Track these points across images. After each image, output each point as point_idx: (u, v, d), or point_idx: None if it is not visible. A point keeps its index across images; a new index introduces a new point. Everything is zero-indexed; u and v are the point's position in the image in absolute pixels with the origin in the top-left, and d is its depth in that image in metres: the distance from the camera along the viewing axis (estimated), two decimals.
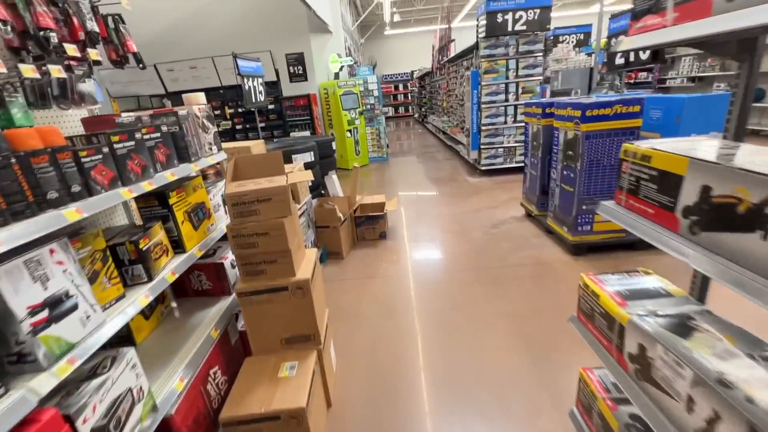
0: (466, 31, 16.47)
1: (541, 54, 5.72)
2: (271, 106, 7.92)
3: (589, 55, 8.32)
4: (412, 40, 21.34)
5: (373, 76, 8.42)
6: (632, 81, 10.68)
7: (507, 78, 5.81)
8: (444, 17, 11.94)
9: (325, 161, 4.93)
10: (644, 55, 3.12)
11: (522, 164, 6.25)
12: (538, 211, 3.93)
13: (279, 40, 7.64)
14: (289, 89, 7.97)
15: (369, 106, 8.57)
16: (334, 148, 4.58)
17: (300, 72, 7.88)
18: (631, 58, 3.29)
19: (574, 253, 3.25)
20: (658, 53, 2.95)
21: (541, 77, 5.83)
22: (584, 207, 3.11)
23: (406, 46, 21.60)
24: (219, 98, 8.26)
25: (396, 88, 21.75)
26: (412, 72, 21.07)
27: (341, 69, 7.91)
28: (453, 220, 4.47)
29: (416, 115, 19.13)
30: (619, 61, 3.45)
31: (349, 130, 7.95)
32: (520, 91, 5.86)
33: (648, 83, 10.27)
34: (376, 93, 8.50)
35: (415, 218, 4.68)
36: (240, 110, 8.05)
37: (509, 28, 5.51)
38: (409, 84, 21.62)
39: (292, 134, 7.81)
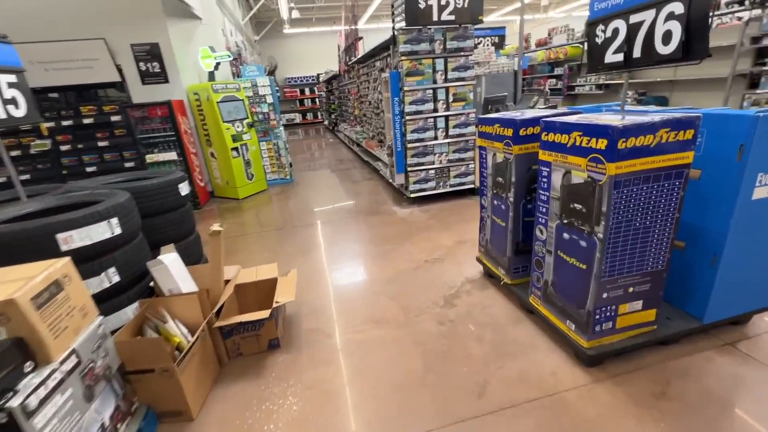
0: (372, 34, 15.34)
1: (472, 53, 4.59)
2: (116, 117, 5.58)
3: (510, 57, 7.69)
4: (317, 40, 19.65)
5: (265, 78, 6.59)
6: (542, 88, 10.56)
7: (435, 82, 4.57)
8: (348, 17, 10.66)
9: (161, 223, 2.67)
10: (667, 47, 2.03)
11: (458, 188, 5.15)
12: (511, 279, 2.66)
13: (118, 25, 5.37)
14: (142, 94, 5.71)
15: (262, 116, 6.70)
16: (184, 191, 2.75)
17: (156, 70, 5.69)
18: (636, 52, 2.20)
19: (589, 363, 2.00)
20: (691, 42, 1.83)
21: (473, 81, 4.71)
22: (606, 295, 1.88)
23: (311, 46, 19.82)
24: None
25: (302, 92, 19.83)
26: (318, 75, 19.39)
27: (217, 67, 5.92)
28: (387, 292, 2.99)
29: (326, 122, 17.49)
30: (613, 58, 2.34)
31: (236, 148, 6.00)
32: (450, 98, 4.66)
33: (558, 90, 10.20)
34: (270, 99, 6.67)
35: (329, 291, 3.09)
36: (69, 122, 5.53)
37: (434, 17, 4.26)
38: (316, 88, 19.88)
39: (98, 179, 5.57)
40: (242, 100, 6.13)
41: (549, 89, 10.05)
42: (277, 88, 19.18)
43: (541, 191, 2.12)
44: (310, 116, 20.34)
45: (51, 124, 5.53)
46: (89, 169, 5.77)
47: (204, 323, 2.10)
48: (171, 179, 2.62)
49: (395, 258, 3.55)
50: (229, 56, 5.81)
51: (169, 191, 2.59)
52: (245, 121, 6.16)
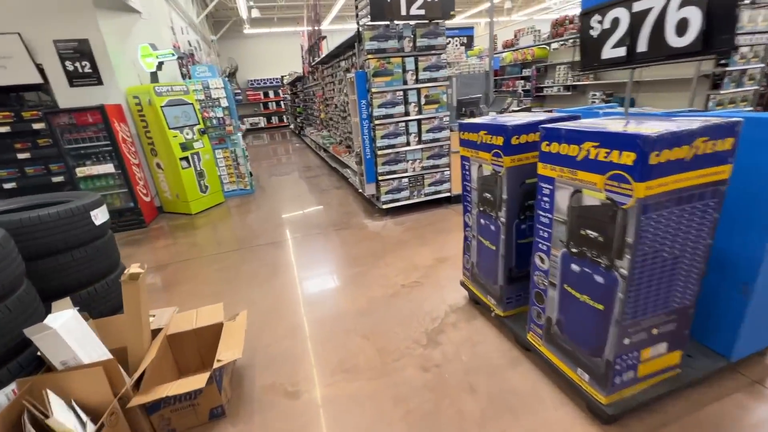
0: (336, 35, 14.80)
1: (444, 51, 4.24)
2: (41, 125, 4.79)
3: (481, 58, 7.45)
4: (280, 40, 18.88)
5: (218, 79, 5.96)
6: (515, 89, 10.49)
7: (405, 83, 4.17)
8: (310, 17, 10.14)
9: (65, 264, 2.02)
10: (682, 39, 1.72)
11: (434, 197, 4.78)
12: (504, 311, 2.28)
13: (38, 18, 4.60)
14: (72, 98, 4.94)
15: (216, 122, 6.06)
16: (99, 219, 2.15)
17: (87, 70, 4.94)
18: (642, 46, 1.89)
19: (609, 421, 1.65)
20: (714, 32, 1.53)
21: (447, 82, 4.36)
22: (628, 341, 1.53)
23: (274, 47, 19.03)
24: None
25: (266, 95, 18.99)
26: (282, 77, 18.64)
27: (160, 67, 5.25)
28: (360, 328, 2.53)
29: (292, 126, 16.79)
30: (613, 53, 2.02)
31: (186, 158, 5.34)
32: (422, 100, 4.28)
33: (527, 92, 10.15)
34: (225, 102, 6.05)
35: (290, 331, 2.60)
36: None
37: (403, 12, 3.87)
38: (280, 91, 19.10)
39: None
40: (191, 103, 5.49)
41: (522, 90, 9.98)
42: (238, 91, 18.36)
43: (541, 212, 1.75)
44: (275, 120, 19.52)
45: None
46: (7, 186, 4.93)
47: (114, 402, 1.56)
48: (77, 206, 2.04)
49: (368, 283, 3.11)
50: (173, 55, 5.16)
51: (74, 222, 2.01)
52: (196, 128, 5.52)
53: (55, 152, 4.79)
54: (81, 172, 4.77)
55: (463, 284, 2.74)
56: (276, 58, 19.09)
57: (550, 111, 2.91)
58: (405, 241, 3.86)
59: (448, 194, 4.77)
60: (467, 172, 2.33)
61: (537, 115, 2.04)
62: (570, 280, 1.67)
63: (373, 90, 4.06)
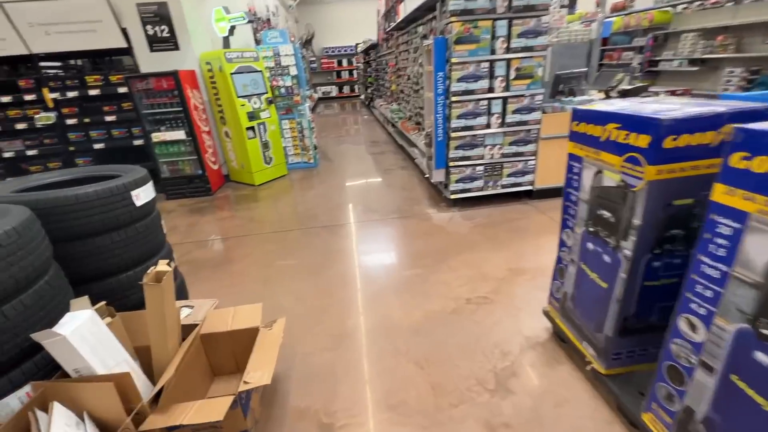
0: None
1: (547, 11, 3.44)
2: (124, 89, 4.97)
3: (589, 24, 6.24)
4: (358, 5, 18.28)
5: (289, 45, 5.70)
6: (629, 63, 8.89)
7: (493, 52, 3.49)
8: None
9: (102, 247, 1.86)
10: None
11: (512, 189, 4.11)
12: (606, 368, 1.71)
13: None
14: (151, 63, 5.04)
15: (284, 91, 5.87)
16: (141, 199, 1.97)
17: (166, 35, 4.96)
18: None
19: None
20: None
21: (544, 52, 3.57)
22: None
23: (351, 13, 18.51)
24: (33, 73, 5.12)
25: (339, 63, 18.77)
26: (357, 45, 18.17)
27: (232, 32, 5.10)
28: (412, 351, 2.14)
29: (363, 97, 16.45)
30: None
31: (252, 128, 5.25)
32: (512, 74, 3.57)
33: (629, 66, 8.51)
34: (294, 71, 5.81)
35: (332, 341, 2.29)
36: (75, 93, 5.00)
37: None
38: (354, 59, 18.72)
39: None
40: (261, 71, 5.32)
41: (638, 64, 8.37)
42: (313, 59, 18.33)
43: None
44: (346, 89, 19.34)
45: (56, 94, 5.03)
46: (97, 146, 5.27)
47: (127, 420, 1.37)
48: (117, 185, 1.87)
49: (427, 290, 2.68)
50: (244, 18, 4.95)
51: (113, 202, 1.84)
52: (264, 97, 5.37)
53: (136, 116, 4.95)
54: (156, 137, 4.90)
55: (546, 314, 2.18)
56: (352, 25, 18.59)
57: (688, 92, 2.11)
58: (474, 242, 3.33)
59: (529, 188, 4.07)
60: (575, 177, 1.72)
61: (706, 104, 1.35)
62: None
63: (454, 60, 3.44)
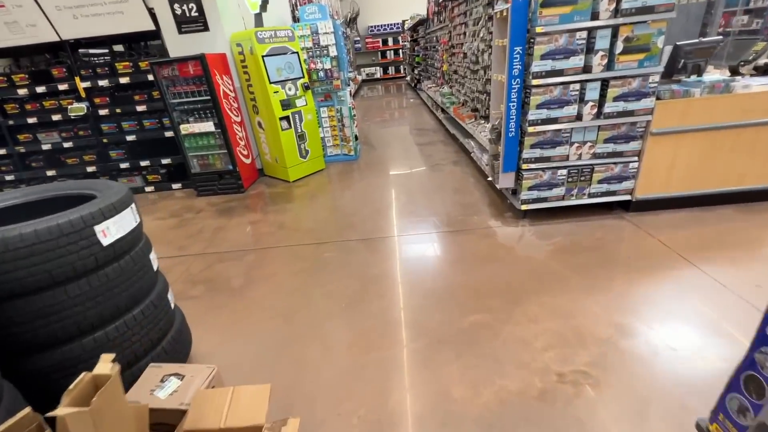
0: None
1: None
2: (150, 77, 4.58)
3: None
4: None
5: (328, 21, 5.00)
6: (722, 30, 7.23)
7: (595, 16, 2.56)
8: None
9: (55, 304, 1.32)
10: None
11: (602, 199, 3.17)
12: None
13: None
14: (180, 46, 4.60)
15: (323, 74, 5.22)
16: (109, 237, 1.44)
17: (194, 14, 4.47)
18: None
19: None
20: None
21: (670, 14, 2.57)
22: None
23: None
24: (62, 61, 4.90)
25: (385, 43, 17.79)
26: (404, 22, 17.05)
27: (265, 7, 4.47)
28: None
29: (408, 78, 15.47)
30: None
31: (286, 117, 4.68)
32: (618, 47, 2.62)
33: (754, 32, 6.84)
34: (334, 51, 5.12)
35: (369, 424, 1.66)
36: (106, 82, 4.70)
37: None
38: (400, 38, 17.64)
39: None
40: (297, 52, 4.69)
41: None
42: (357, 38, 17.51)
43: None
44: (391, 70, 18.39)
45: (87, 83, 4.76)
46: (129, 138, 4.99)
47: None
48: (67, 221, 1.32)
49: (498, 352, 1.95)
50: None
51: (63, 245, 1.30)
52: (299, 82, 4.75)
53: (164, 106, 4.56)
54: (184, 129, 4.48)
55: (699, 429, 1.38)
56: (398, 1, 17.42)
57: None
58: (556, 274, 2.52)
59: (626, 197, 3.13)
60: None
61: None
62: None
63: (539, 29, 2.56)
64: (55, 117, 4.91)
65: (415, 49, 11.99)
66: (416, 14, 11.95)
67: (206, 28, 4.53)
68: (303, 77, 4.80)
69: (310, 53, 5.14)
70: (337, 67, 5.21)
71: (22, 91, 4.82)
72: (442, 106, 6.93)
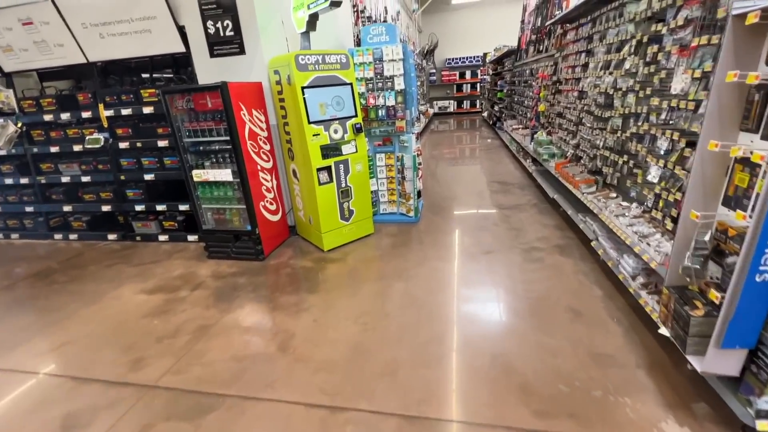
0: None
1: None
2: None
3: None
4: (490, 11, 15.94)
5: (397, 46, 3.79)
6: None
7: None
8: None
9: None
10: None
11: None
12: None
13: None
14: (210, 72, 3.71)
15: (383, 113, 3.99)
16: None
17: (229, 33, 3.54)
18: None
19: None
20: None
21: None
22: None
23: (481, 19, 16.26)
24: (89, 85, 4.28)
25: (462, 76, 16.64)
26: (485, 54, 15.80)
27: (313, 24, 3.37)
28: None
29: (485, 114, 14.00)
30: None
31: (326, 168, 3.48)
32: None
33: None
34: (401, 84, 3.88)
35: None
36: (129, 111, 3.95)
37: None
38: (479, 71, 16.38)
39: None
40: (349, 84, 3.52)
41: None
42: (433, 71, 16.60)
43: None
44: (466, 104, 17.11)
45: (110, 112, 4.05)
46: (147, 177, 4.16)
47: None
48: None
49: None
50: (327, 2, 3.12)
51: None
52: (350, 122, 3.56)
53: (186, 144, 3.63)
54: (197, 175, 3.47)
55: None
56: (481, 33, 16.31)
57: None
58: None
59: None
60: None
61: None
62: None
63: None
64: (77, 147, 4.27)
65: (498, 83, 10.55)
66: (502, 46, 10.59)
67: (242, 51, 3.58)
68: (355, 116, 3.60)
69: (370, 85, 3.96)
70: (402, 105, 3.95)
71: (48, 117, 4.27)
72: (535, 155, 5.32)
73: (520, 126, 7.45)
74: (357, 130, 3.60)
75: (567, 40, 4.41)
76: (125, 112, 3.99)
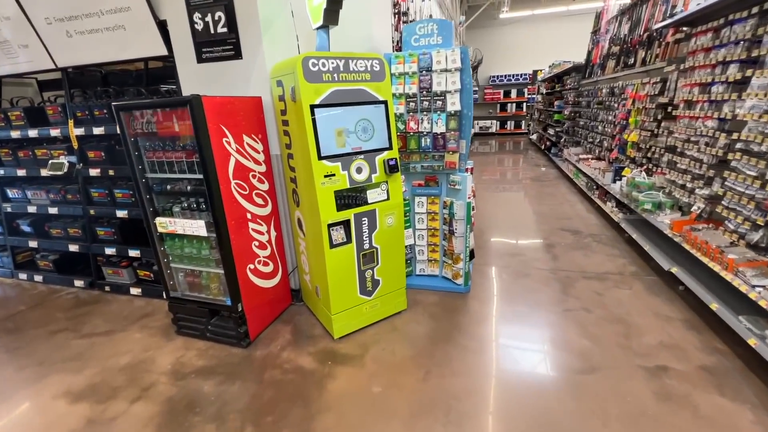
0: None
1: None
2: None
3: None
4: (543, 26, 14.68)
5: (454, 51, 2.67)
6: None
7: None
8: None
9: None
10: None
11: None
12: None
13: None
14: (196, 82, 2.75)
15: (427, 142, 2.86)
16: None
17: (221, 29, 2.56)
18: None
19: None
20: None
21: None
22: None
23: (532, 34, 15.02)
24: (56, 93, 3.48)
25: (506, 94, 15.35)
26: (535, 72, 14.48)
27: (334, 17, 2.32)
28: None
29: (534, 137, 12.61)
30: None
31: (343, 224, 2.36)
32: None
33: None
34: (456, 104, 2.73)
35: None
36: (101, 129, 3.05)
37: None
38: (526, 90, 15.04)
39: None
40: (383, 102, 2.41)
41: None
42: (476, 89, 15.45)
43: None
44: (510, 125, 15.74)
45: (81, 130, 3.19)
46: (120, 214, 3.24)
47: None
48: None
49: None
50: None
51: None
52: (381, 157, 2.44)
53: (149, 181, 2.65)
54: (161, 225, 2.46)
55: None
56: (530, 49, 15.06)
57: None
58: None
59: None
60: None
61: None
62: None
63: None
64: (44, 172, 3.44)
65: (555, 103, 9.20)
66: (561, 61, 9.28)
67: (238, 54, 2.59)
68: (389, 148, 2.48)
69: (412, 104, 2.85)
70: (457, 132, 2.80)
71: (15, 134, 3.48)
72: (626, 200, 3.96)
73: (590, 156, 6.08)
74: (391, 168, 2.47)
75: (693, 47, 3.11)
76: (98, 130, 3.10)
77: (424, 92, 2.80)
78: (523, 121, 15.53)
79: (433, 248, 3.21)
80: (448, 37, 2.75)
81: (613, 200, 4.55)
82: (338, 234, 2.37)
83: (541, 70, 13.46)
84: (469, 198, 2.91)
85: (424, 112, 2.84)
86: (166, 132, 2.26)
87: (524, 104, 15.25)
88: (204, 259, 2.51)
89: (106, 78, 3.71)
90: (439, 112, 2.79)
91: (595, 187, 5.30)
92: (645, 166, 4.04)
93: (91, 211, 3.38)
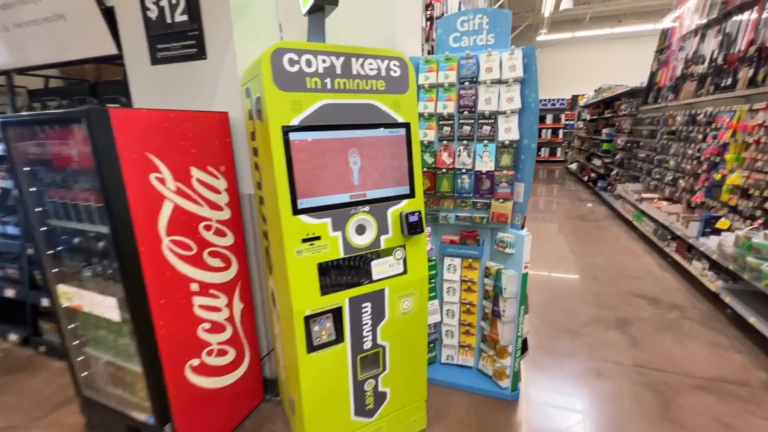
0: None
1: None
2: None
3: None
4: (582, 49, 13.84)
5: (515, 50, 1.81)
6: None
7: None
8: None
9: None
10: None
11: None
12: None
13: None
14: (152, 88, 1.99)
15: (467, 184, 1.96)
16: None
17: (180, 17, 1.82)
18: None
19: None
20: None
21: None
22: None
23: (570, 58, 14.20)
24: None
25: (541, 120, 14.34)
26: (574, 97, 13.49)
27: None
28: None
29: (573, 166, 11.50)
30: None
31: (333, 312, 1.47)
32: None
33: None
34: (512, 133, 1.85)
35: None
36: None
37: None
38: (563, 116, 14.03)
39: None
40: (404, 126, 1.55)
41: None
42: None
43: None
44: (544, 152, 14.68)
45: None
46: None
47: None
48: None
49: None
50: None
51: None
52: (396, 209, 1.56)
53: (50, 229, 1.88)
54: (64, 295, 1.65)
55: None
56: (570, 73, 14.21)
57: None
58: None
59: None
60: None
61: None
62: None
63: None
64: None
65: (603, 131, 8.14)
66: (613, 85, 8.28)
67: (201, 52, 1.82)
68: (410, 195, 1.60)
69: (446, 129, 1.98)
70: (512, 172, 1.90)
71: None
72: (738, 269, 2.88)
73: (659, 196, 4.99)
74: (411, 226, 1.58)
75: None
76: None
77: (465, 112, 1.93)
78: (559, 149, 14.44)
79: (468, 330, 2.27)
80: (503, 35, 1.90)
81: (704, 259, 3.46)
82: (322, 329, 1.48)
83: (583, 95, 12.46)
84: (525, 268, 1.97)
85: (464, 141, 1.96)
86: (64, 162, 1.48)
87: (560, 130, 14.20)
88: (123, 350, 1.67)
89: (95, 87, 3.10)
90: (486, 141, 1.91)
91: (669, 236, 4.21)
92: (760, 221, 2.97)
93: (29, 250, 2.66)
